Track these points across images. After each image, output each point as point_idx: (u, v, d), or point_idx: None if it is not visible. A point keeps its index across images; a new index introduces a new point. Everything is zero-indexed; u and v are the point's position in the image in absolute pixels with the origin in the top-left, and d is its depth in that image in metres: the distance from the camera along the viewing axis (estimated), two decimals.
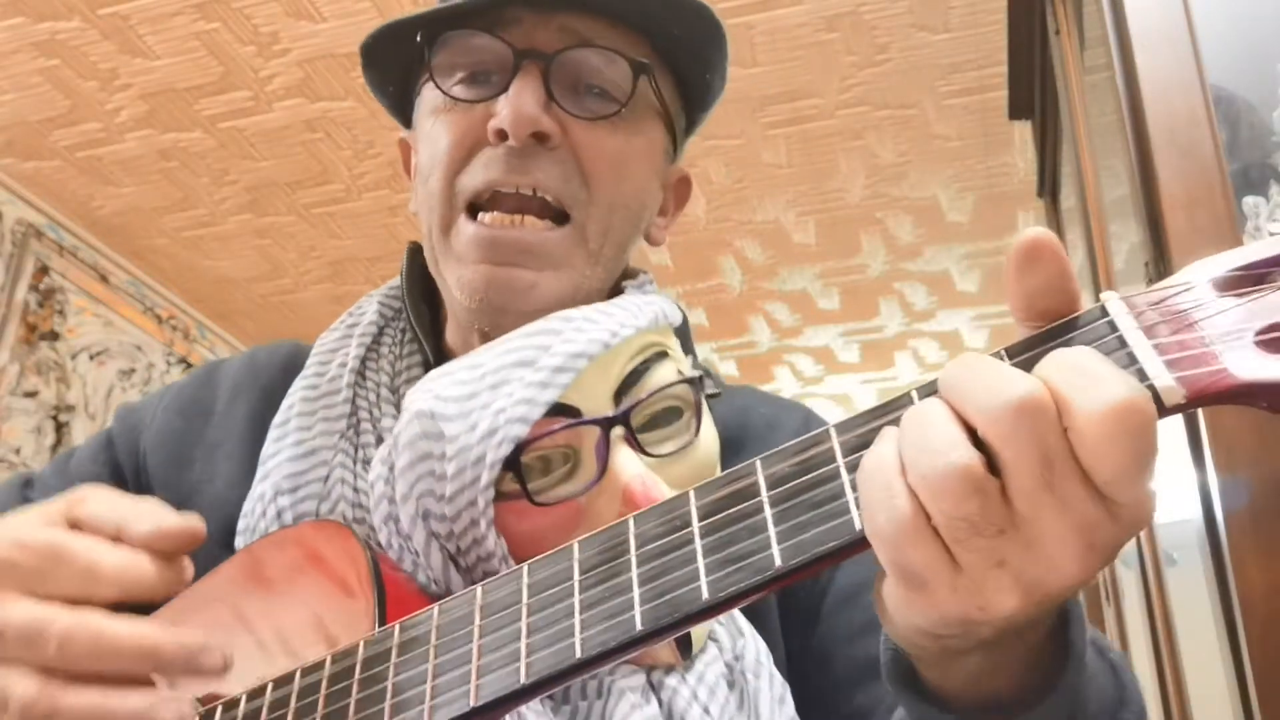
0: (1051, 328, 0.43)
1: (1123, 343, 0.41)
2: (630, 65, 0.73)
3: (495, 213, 0.72)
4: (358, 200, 3.00)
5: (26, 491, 0.81)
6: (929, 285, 3.40)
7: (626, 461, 0.63)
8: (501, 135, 0.71)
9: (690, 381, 0.68)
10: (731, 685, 0.65)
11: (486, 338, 0.74)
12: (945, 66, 2.52)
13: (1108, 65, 1.16)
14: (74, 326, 3.11)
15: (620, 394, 0.65)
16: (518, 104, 0.70)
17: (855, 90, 2.60)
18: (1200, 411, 0.94)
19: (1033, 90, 1.95)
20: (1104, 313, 0.43)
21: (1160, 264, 1.02)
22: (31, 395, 2.95)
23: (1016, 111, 2.07)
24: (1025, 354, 0.43)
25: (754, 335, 3.66)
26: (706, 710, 0.62)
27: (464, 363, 0.66)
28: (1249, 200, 1.01)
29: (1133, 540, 1.37)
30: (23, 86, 2.61)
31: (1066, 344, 0.42)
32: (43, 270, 3.02)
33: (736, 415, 0.79)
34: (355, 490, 0.71)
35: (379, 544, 0.67)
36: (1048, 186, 2.09)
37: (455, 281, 0.73)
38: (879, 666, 0.55)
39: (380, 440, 0.73)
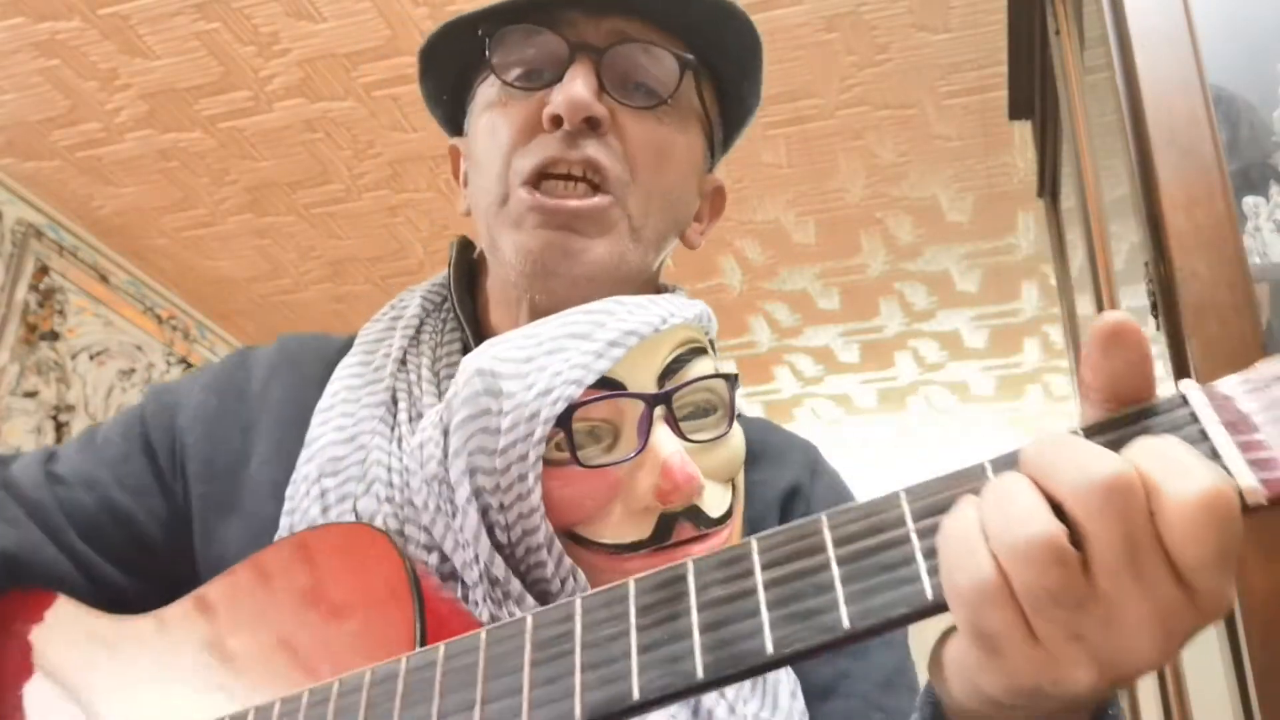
0: (1131, 412, 0.44)
1: (1204, 435, 0.42)
2: (677, 60, 0.78)
3: (548, 183, 0.77)
4: (358, 200, 3.00)
5: (50, 465, 0.81)
6: (929, 285, 3.40)
7: (666, 438, 0.66)
8: (556, 121, 0.75)
9: (726, 378, 0.71)
10: None
11: (534, 316, 0.77)
12: (945, 66, 2.52)
13: (1108, 65, 1.16)
14: (74, 326, 3.11)
15: (664, 378, 0.69)
16: (571, 90, 0.75)
17: (855, 90, 2.60)
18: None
19: (1033, 90, 1.95)
20: (1184, 401, 0.43)
21: (1160, 264, 1.02)
22: (31, 395, 2.95)
23: (1016, 111, 2.07)
24: (1105, 434, 0.43)
25: (754, 335, 3.66)
26: (729, 702, 0.65)
27: (521, 332, 0.70)
28: (1249, 200, 1.01)
29: None
30: (23, 86, 2.61)
31: (1147, 430, 0.43)
32: (43, 270, 3.02)
33: (753, 435, 0.82)
34: (389, 470, 0.73)
35: (416, 506, 0.69)
36: (1048, 186, 2.09)
37: (512, 248, 0.77)
38: None
39: (418, 417, 0.76)
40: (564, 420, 0.65)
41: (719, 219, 0.91)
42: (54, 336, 3.04)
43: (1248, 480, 0.40)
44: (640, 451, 0.66)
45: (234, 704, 0.61)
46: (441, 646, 0.51)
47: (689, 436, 0.68)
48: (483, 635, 0.51)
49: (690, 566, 0.48)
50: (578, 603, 0.49)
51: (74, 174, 2.91)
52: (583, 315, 0.69)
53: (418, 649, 0.54)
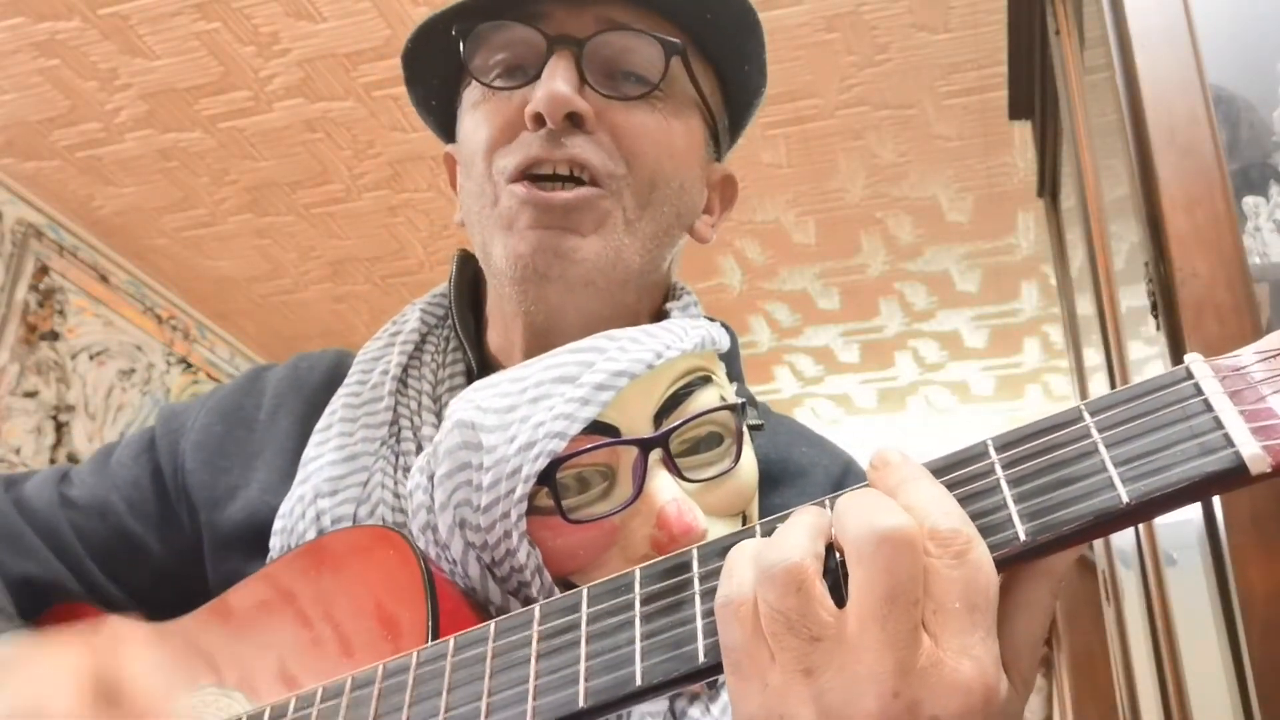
0: (1134, 387, 0.44)
1: (1208, 406, 0.41)
2: (663, 45, 0.74)
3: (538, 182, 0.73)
4: (358, 200, 3.00)
5: (63, 487, 0.81)
6: (929, 285, 3.40)
7: (663, 485, 0.63)
8: (538, 119, 0.71)
9: (732, 408, 0.67)
10: None
11: (531, 338, 0.74)
12: (945, 66, 2.52)
13: (1108, 65, 1.16)
14: (74, 326, 3.11)
15: (661, 416, 0.65)
16: (550, 86, 0.71)
17: (855, 90, 2.60)
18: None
19: (1033, 90, 1.95)
20: (1189, 374, 0.43)
21: (1160, 264, 1.02)
22: (31, 395, 2.95)
23: (1016, 111, 2.07)
24: (1109, 411, 0.43)
25: (754, 335, 3.66)
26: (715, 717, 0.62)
27: (508, 375, 0.66)
28: (1249, 200, 1.01)
29: (1133, 540, 1.37)
30: (23, 86, 2.61)
31: (1149, 406, 0.43)
32: (43, 270, 3.02)
33: (779, 450, 0.79)
34: (396, 495, 0.71)
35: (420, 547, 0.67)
36: (1048, 186, 2.09)
37: (502, 253, 0.72)
38: None
39: (420, 448, 0.74)
40: (548, 475, 0.61)
41: (731, 210, 0.87)
42: (54, 336, 3.04)
43: (1251, 448, 0.39)
44: (634, 500, 0.62)
45: (253, 702, 0.62)
46: (451, 640, 0.52)
47: (689, 477, 0.64)
48: (491, 627, 0.51)
49: (694, 553, 0.48)
50: (584, 592, 0.50)
51: (74, 174, 2.91)
52: (570, 355, 0.65)
53: (429, 643, 0.54)
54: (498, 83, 0.75)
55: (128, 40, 2.48)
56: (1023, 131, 2.55)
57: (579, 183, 0.72)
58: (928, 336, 3.71)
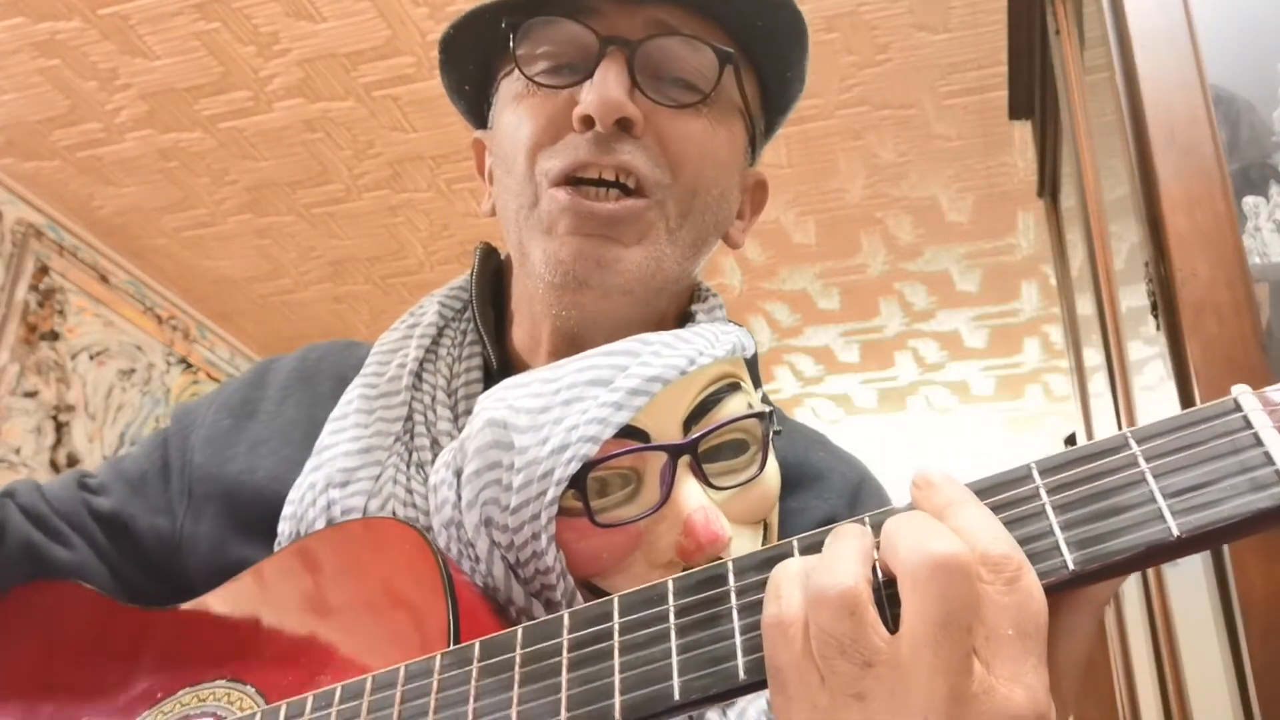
0: (1181, 416, 0.43)
1: (1258, 440, 0.41)
2: (716, 54, 0.73)
3: (580, 188, 0.71)
4: (358, 200, 3.00)
5: (84, 493, 0.83)
6: (929, 285, 3.40)
7: (690, 492, 0.63)
8: (587, 122, 0.70)
9: (760, 416, 0.67)
10: None
11: (559, 340, 0.74)
12: (945, 66, 2.52)
13: (1108, 65, 1.16)
14: (74, 326, 3.11)
15: (690, 422, 0.65)
16: (603, 90, 0.69)
17: (855, 90, 2.60)
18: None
19: (1033, 90, 1.95)
20: (1237, 406, 0.43)
21: (1160, 264, 1.02)
22: (31, 395, 2.95)
23: (1016, 111, 2.07)
24: (1155, 440, 0.43)
25: (755, 335, 3.64)
26: None
27: (539, 375, 0.66)
28: (1249, 200, 1.01)
29: None
30: (23, 86, 2.61)
31: (1197, 437, 0.42)
32: (43, 270, 3.02)
33: (796, 454, 0.79)
34: (408, 491, 0.71)
35: (440, 544, 0.67)
36: (1048, 186, 2.09)
37: (542, 257, 0.71)
38: None
39: (434, 444, 0.73)
40: (577, 478, 0.61)
41: (761, 213, 0.86)
42: (54, 336, 3.04)
43: None
44: (662, 505, 0.62)
45: (265, 698, 0.61)
46: (476, 645, 0.51)
47: (716, 484, 0.64)
48: (518, 634, 0.50)
49: (730, 567, 0.48)
50: (615, 601, 0.49)
51: (74, 174, 2.91)
52: (604, 358, 0.65)
53: (451, 646, 0.54)
54: (544, 79, 0.73)
55: (128, 40, 2.48)
56: (1023, 131, 2.55)
57: (624, 189, 0.71)
58: (928, 336, 3.71)
